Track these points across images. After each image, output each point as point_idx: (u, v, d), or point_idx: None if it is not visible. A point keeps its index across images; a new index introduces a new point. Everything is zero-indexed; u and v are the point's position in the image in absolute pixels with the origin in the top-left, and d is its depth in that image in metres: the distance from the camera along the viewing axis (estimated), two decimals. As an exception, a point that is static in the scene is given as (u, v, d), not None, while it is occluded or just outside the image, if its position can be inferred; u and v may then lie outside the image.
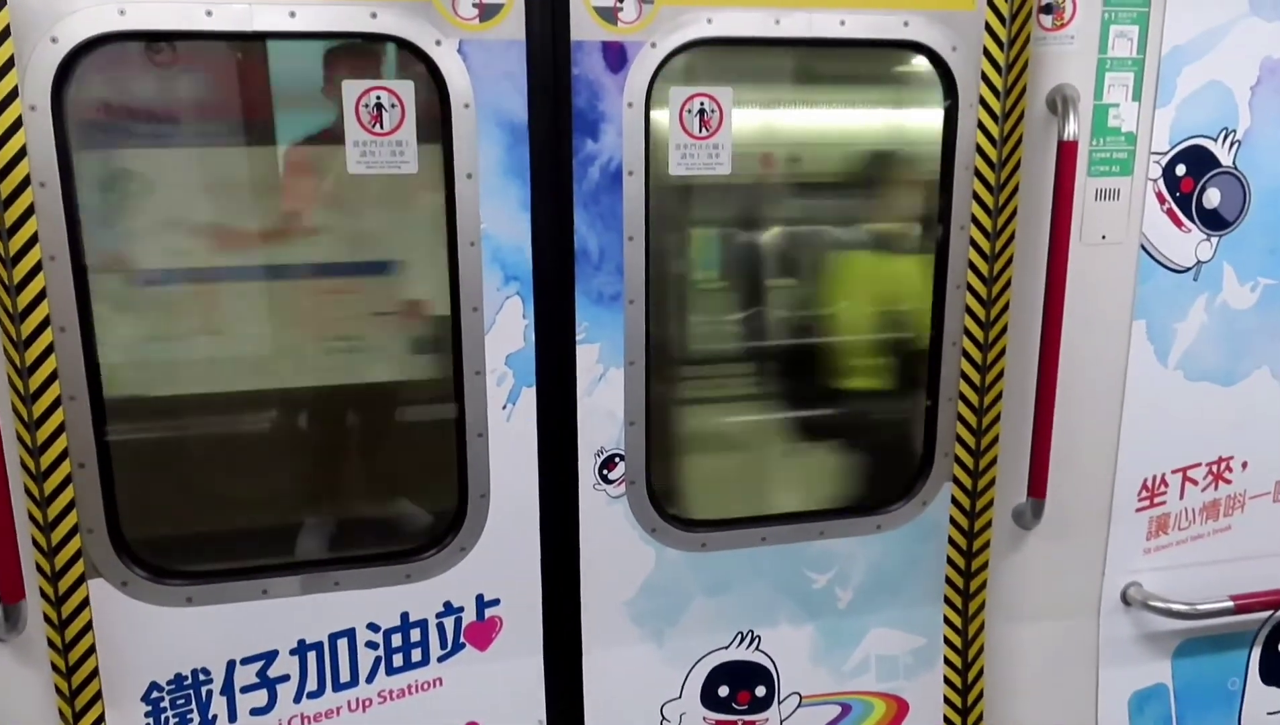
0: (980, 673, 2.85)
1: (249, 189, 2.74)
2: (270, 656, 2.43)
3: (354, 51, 2.39)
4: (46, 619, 2.27)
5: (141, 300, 2.68)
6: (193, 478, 2.83)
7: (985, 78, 2.47)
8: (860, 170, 3.23)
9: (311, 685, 2.47)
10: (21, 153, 2.04)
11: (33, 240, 2.09)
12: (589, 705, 2.65)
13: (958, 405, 2.66)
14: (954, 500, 2.73)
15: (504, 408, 2.42)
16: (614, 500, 2.53)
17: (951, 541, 2.76)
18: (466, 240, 2.32)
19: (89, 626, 2.29)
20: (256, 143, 2.74)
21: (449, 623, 2.51)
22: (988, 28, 2.44)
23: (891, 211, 3.20)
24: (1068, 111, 2.46)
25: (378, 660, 2.49)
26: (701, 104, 2.39)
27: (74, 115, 2.14)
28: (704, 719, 2.75)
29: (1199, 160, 2.65)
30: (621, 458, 2.51)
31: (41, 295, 2.12)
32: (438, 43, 2.21)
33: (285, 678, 2.45)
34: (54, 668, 2.30)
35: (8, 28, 2.00)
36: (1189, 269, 2.72)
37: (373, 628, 2.47)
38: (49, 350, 2.15)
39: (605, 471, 2.51)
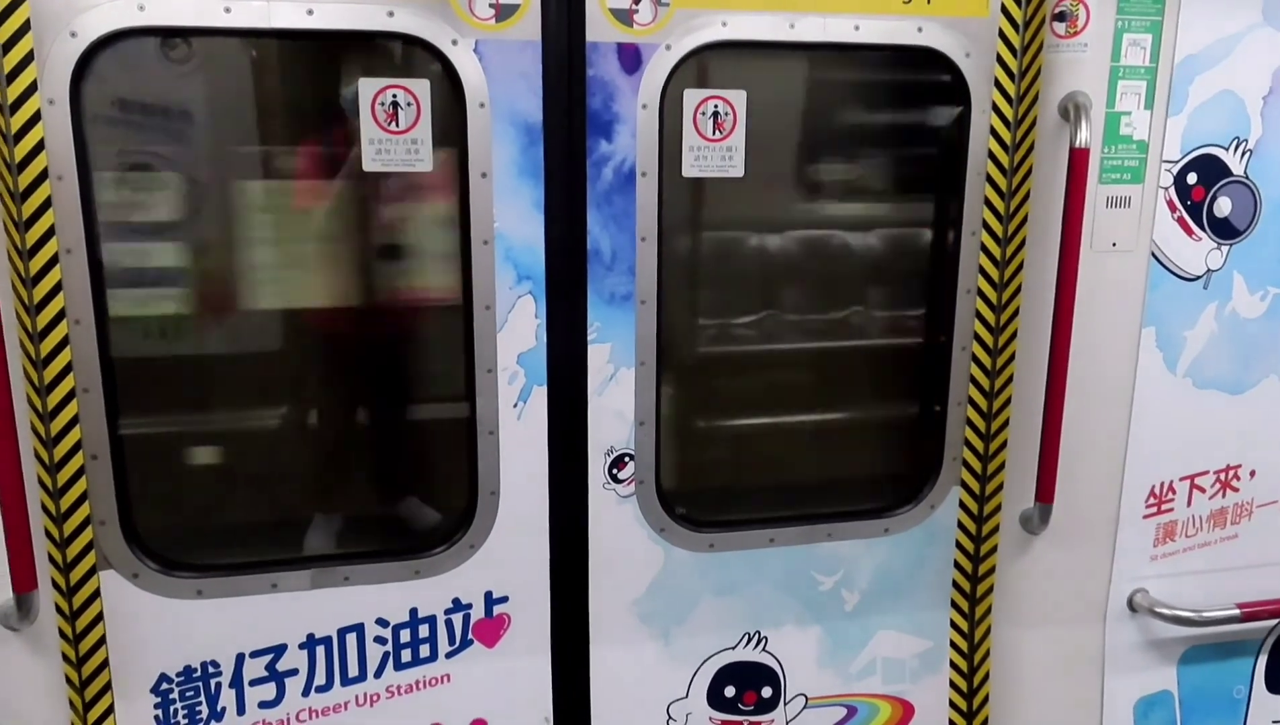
0: (986, 677, 2.86)
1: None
2: (279, 650, 2.44)
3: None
4: (58, 610, 2.28)
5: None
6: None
7: (998, 84, 2.48)
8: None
9: (320, 679, 2.48)
10: (40, 146, 2.06)
11: (49, 233, 2.10)
12: (595, 703, 2.66)
13: (966, 409, 2.67)
14: (962, 504, 2.73)
15: (515, 406, 2.43)
16: (623, 500, 2.54)
17: (959, 545, 2.76)
18: (480, 238, 2.33)
19: (100, 618, 2.31)
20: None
21: (457, 619, 2.52)
22: (1001, 34, 2.45)
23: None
24: (1080, 119, 2.47)
25: (386, 655, 2.50)
26: (715, 106, 2.40)
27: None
28: (710, 719, 2.75)
29: (1210, 169, 2.65)
30: (631, 457, 2.52)
31: (57, 288, 2.13)
32: (454, 42, 2.22)
33: (294, 672, 2.46)
34: (65, 658, 2.31)
35: (27, 22, 2.01)
36: (1199, 277, 2.72)
37: (381, 623, 2.48)
38: (64, 342, 2.16)
39: (615, 471, 2.52)
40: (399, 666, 2.52)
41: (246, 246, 2.69)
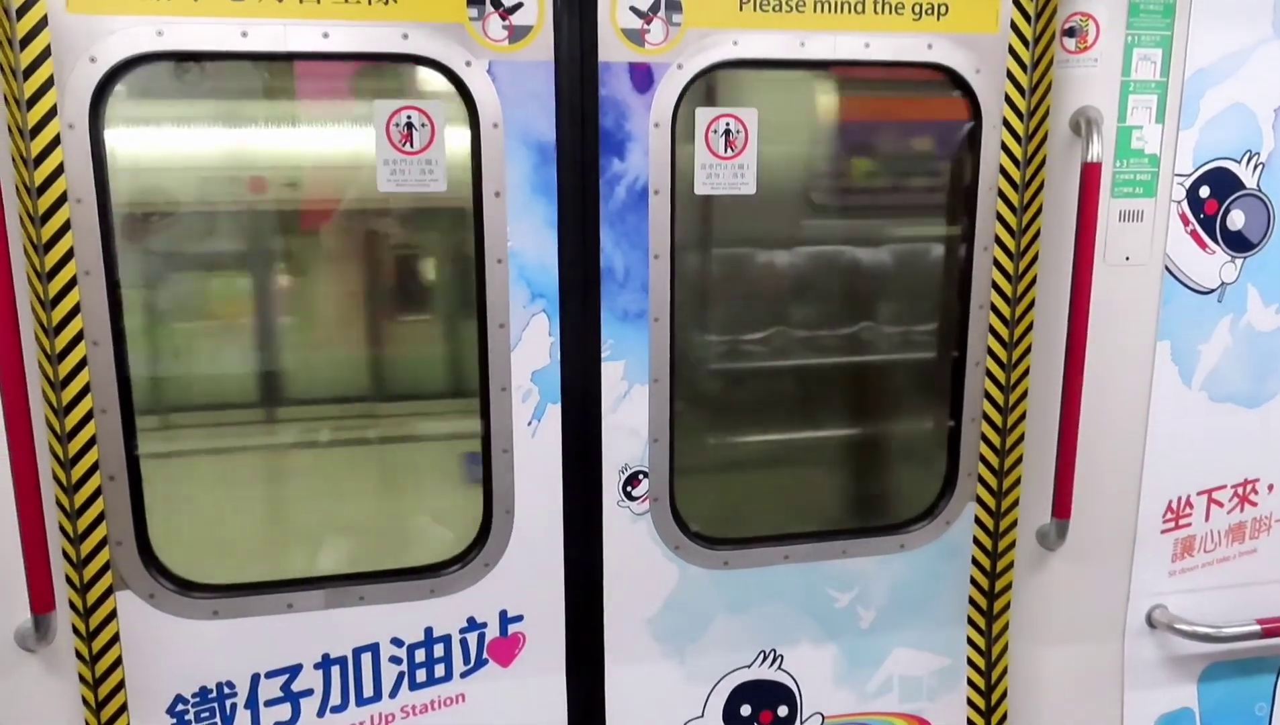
0: (1004, 695, 2.83)
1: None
2: (294, 670, 2.44)
3: None
4: (75, 630, 2.29)
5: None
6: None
7: (1009, 100, 2.49)
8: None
9: (335, 699, 2.47)
10: (59, 170, 2.08)
11: (68, 255, 2.12)
12: (611, 723, 2.64)
13: (981, 425, 2.66)
14: (977, 520, 2.72)
15: (529, 424, 2.43)
16: (638, 517, 2.54)
17: (975, 562, 2.75)
18: (494, 257, 2.34)
19: (116, 638, 2.31)
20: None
21: (472, 638, 2.51)
22: (1011, 51, 2.46)
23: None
24: (1091, 133, 2.47)
25: (401, 675, 2.50)
26: (727, 124, 2.42)
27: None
28: (726, 738, 2.74)
29: (1223, 182, 2.65)
30: (645, 475, 2.52)
31: (76, 310, 2.15)
32: (468, 63, 2.24)
33: (309, 692, 2.46)
34: (81, 679, 2.32)
35: (48, 48, 2.04)
36: (1213, 290, 2.71)
37: (396, 642, 2.48)
38: (82, 364, 2.18)
39: (629, 488, 2.52)
40: (414, 686, 2.51)
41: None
